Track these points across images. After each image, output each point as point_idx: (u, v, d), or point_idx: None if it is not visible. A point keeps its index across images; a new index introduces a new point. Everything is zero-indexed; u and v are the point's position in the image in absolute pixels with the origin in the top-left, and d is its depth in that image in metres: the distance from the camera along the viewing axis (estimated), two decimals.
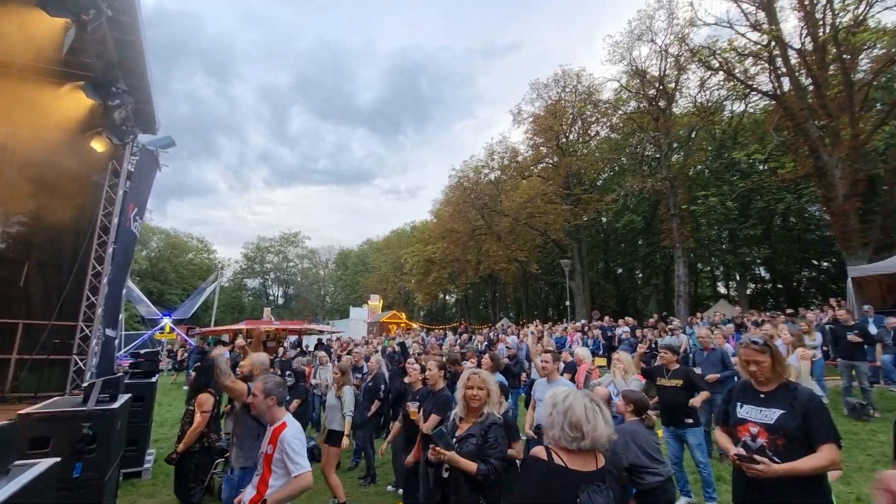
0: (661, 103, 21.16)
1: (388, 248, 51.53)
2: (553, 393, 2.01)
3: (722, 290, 33.10)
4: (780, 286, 29.42)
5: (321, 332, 24.80)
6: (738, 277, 28.09)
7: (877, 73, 14.77)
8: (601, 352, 13.77)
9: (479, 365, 6.40)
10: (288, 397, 7.37)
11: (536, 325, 18.77)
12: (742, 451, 2.49)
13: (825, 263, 25.95)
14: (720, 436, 2.84)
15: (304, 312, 54.39)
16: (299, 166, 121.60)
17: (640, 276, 34.40)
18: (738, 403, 2.74)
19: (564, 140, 27.65)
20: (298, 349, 18.09)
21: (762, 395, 2.65)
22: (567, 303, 21.91)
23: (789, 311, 14.15)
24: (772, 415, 2.57)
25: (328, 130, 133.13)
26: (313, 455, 6.42)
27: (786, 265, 26.25)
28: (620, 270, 35.94)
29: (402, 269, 42.17)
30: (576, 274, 25.60)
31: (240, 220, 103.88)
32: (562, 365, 5.64)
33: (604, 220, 32.10)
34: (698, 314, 16.84)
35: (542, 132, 26.89)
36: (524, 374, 8.49)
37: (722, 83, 19.92)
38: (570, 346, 13.71)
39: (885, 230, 14.95)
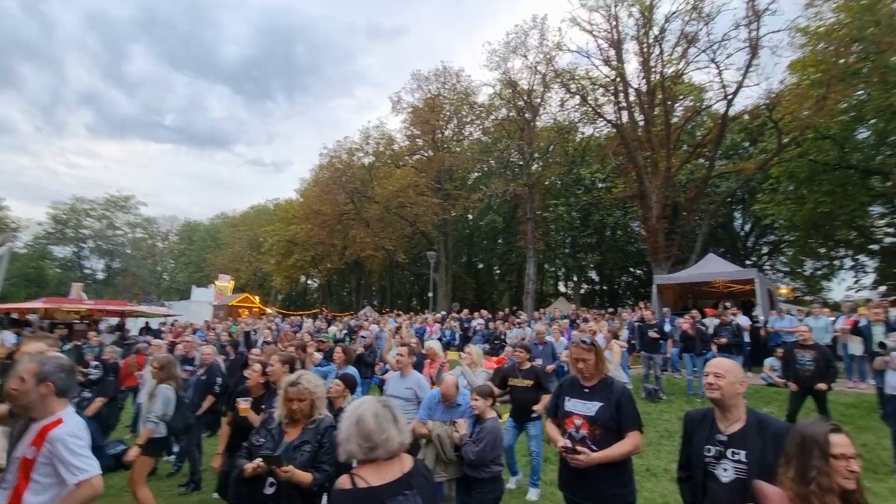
0: (528, 115, 23.05)
1: (245, 225, 46.83)
2: (352, 404, 1.92)
3: (562, 288, 37.69)
4: (605, 288, 34.70)
5: (156, 314, 21.40)
6: (575, 279, 32.23)
7: (686, 120, 18.14)
8: (457, 343, 14.39)
9: (328, 356, 6.08)
10: (90, 394, 6.09)
11: (398, 315, 18.95)
12: (568, 444, 2.71)
13: (639, 271, 31.32)
14: (550, 427, 3.07)
15: (133, 290, 46.39)
16: (138, 117, 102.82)
17: (498, 272, 37.28)
18: (566, 397, 2.97)
19: (440, 135, 28.33)
20: (118, 334, 15.31)
21: (586, 390, 2.91)
22: (430, 294, 22.58)
23: (610, 309, 16.62)
24: (593, 407, 2.83)
25: (180, 82, 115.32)
26: (119, 462, 5.38)
27: (611, 270, 30.98)
28: (481, 266, 38.39)
29: (260, 249, 38.81)
30: (440, 266, 26.53)
31: (49, 172, 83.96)
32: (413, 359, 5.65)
33: (470, 216, 33.87)
34: (541, 310, 18.79)
35: (420, 124, 27.16)
36: (379, 364, 8.38)
37: (577, 107, 22.47)
38: (429, 337, 14.09)
39: (681, 248, 18.57)
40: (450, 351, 12.92)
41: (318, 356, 6.17)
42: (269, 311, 30.59)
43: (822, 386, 6.14)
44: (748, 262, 28.34)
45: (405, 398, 4.32)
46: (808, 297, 25.91)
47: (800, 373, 6.34)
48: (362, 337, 9.71)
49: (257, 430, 2.77)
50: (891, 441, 5.40)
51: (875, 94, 17.13)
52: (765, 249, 28.94)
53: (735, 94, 16.16)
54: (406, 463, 1.83)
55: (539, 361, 7.40)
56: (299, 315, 26.68)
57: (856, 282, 24.10)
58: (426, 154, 29.07)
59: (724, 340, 8.38)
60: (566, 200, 23.07)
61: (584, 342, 2.97)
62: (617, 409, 2.77)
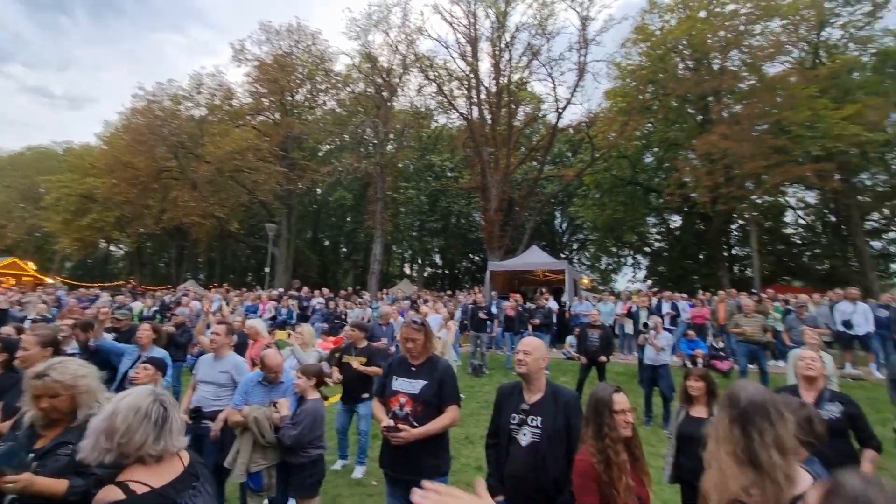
0: (385, 94, 22.77)
1: (15, 169, 36.36)
2: (118, 395, 1.62)
3: (407, 270, 38.82)
4: (447, 272, 36.91)
5: None
6: (419, 261, 33.49)
7: (525, 124, 20.16)
8: (294, 322, 13.62)
9: (126, 336, 5.09)
10: None
11: (228, 291, 17.04)
12: (391, 423, 2.73)
13: (478, 258, 34.11)
14: (376, 407, 3.06)
15: None
16: None
17: (344, 250, 36.44)
18: (394, 377, 3.00)
19: (290, 99, 26.08)
20: None
21: (413, 368, 2.98)
22: (267, 269, 20.84)
23: (449, 292, 17.69)
24: (418, 385, 2.91)
25: None
26: None
27: (453, 256, 33.04)
28: (327, 243, 37.01)
29: (39, 203, 30.66)
30: (281, 240, 24.70)
31: None
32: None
33: (318, 191, 32.23)
34: (385, 290, 19.02)
35: (267, 83, 24.52)
36: (196, 346, 7.38)
37: (434, 94, 23.08)
38: (260, 316, 13.01)
39: (513, 239, 20.79)
40: (281, 330, 12.18)
41: (107, 336, 5.08)
42: (48, 280, 24.49)
43: (602, 358, 7.55)
44: (563, 256, 33.33)
45: (220, 383, 3.85)
46: (601, 287, 31.70)
47: (588, 348, 7.68)
48: (175, 315, 8.42)
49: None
50: (643, 399, 6.91)
51: (659, 128, 21.60)
52: (575, 245, 34.34)
53: (565, 108, 18.60)
54: (183, 455, 1.66)
55: (384, 341, 7.47)
56: (97, 287, 21.95)
57: (633, 276, 30.42)
58: (272, 117, 26.46)
59: (537, 321, 9.64)
60: (417, 185, 23.65)
61: (415, 323, 3.02)
62: (439, 385, 2.90)
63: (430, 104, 25.29)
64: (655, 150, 23.64)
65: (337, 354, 5.43)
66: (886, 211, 23.46)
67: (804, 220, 26.29)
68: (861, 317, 9.06)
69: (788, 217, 26.77)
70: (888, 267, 25.06)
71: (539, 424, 2.42)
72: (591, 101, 24.65)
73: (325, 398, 3.91)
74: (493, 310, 11.55)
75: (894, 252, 25.34)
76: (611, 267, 31.86)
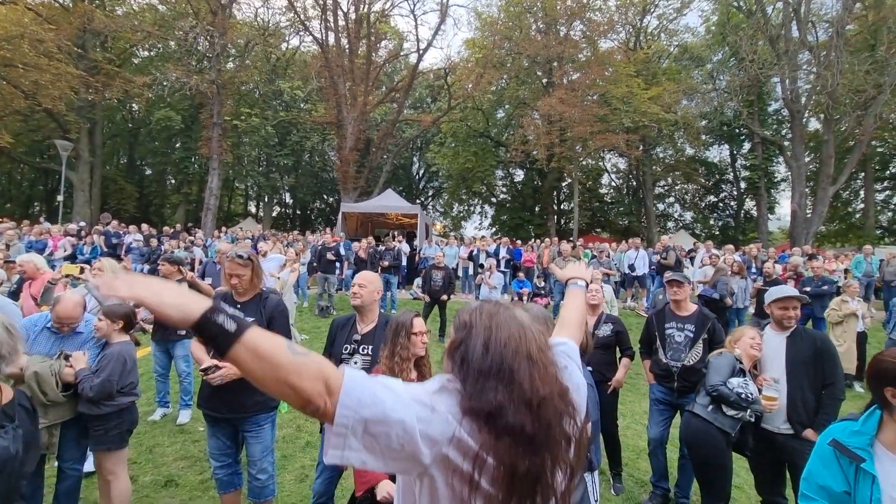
0: None
1: None
2: None
3: (253, 208, 35.42)
4: (298, 212, 34.76)
5: None
6: (266, 199, 30.78)
7: (386, 61, 19.35)
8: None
9: None
10: None
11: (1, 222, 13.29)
12: (212, 364, 2.55)
13: (332, 199, 32.77)
14: (195, 347, 2.83)
15: None
16: None
17: (173, 181, 31.29)
18: None
19: None
20: None
21: (238, 306, 2.80)
22: (60, 198, 16.74)
23: (299, 234, 16.75)
24: None
25: None
26: None
27: (305, 195, 31.12)
28: (149, 172, 31.26)
29: None
30: (81, 164, 20.02)
31: None
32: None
33: (135, 106, 26.57)
34: (224, 229, 17.16)
35: None
36: None
37: (284, 10, 20.41)
38: (50, 254, 10.63)
39: (368, 181, 20.40)
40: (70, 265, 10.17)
41: None
42: None
43: (444, 297, 8.16)
44: (419, 201, 34.17)
45: None
46: (453, 233, 33.69)
47: (432, 287, 8.21)
48: None
49: None
50: None
51: (511, 85, 22.91)
52: (431, 192, 35.42)
53: (426, 50, 18.33)
54: (5, 393, 1.66)
55: (209, 281, 6.77)
56: None
57: (480, 223, 32.95)
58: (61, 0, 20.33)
59: (386, 263, 9.85)
60: (263, 112, 21.17)
61: (239, 257, 2.80)
62: (269, 322, 2.80)
63: (281, 21, 22.37)
64: (507, 106, 25.18)
65: None
66: (670, 180, 29.49)
67: (615, 182, 31.48)
68: (641, 261, 11.43)
69: (604, 179, 31.76)
70: (667, 224, 31.88)
71: (369, 352, 2.53)
72: (452, 48, 24.70)
73: (138, 343, 3.46)
74: (343, 251, 11.41)
75: (672, 213, 32.29)
76: (461, 214, 33.86)
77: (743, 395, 2.59)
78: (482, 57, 18.85)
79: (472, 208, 33.18)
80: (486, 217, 32.67)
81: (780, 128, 23.70)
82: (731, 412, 2.68)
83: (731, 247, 12.05)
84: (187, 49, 20.30)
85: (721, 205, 30.58)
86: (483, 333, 0.92)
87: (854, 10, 17.47)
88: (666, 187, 30.21)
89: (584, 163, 27.38)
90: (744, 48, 17.44)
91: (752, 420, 2.68)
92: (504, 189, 30.44)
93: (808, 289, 7.70)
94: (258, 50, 21.74)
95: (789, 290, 3.01)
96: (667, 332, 3.75)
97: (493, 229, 30.28)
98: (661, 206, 31.31)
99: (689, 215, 31.74)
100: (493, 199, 30.66)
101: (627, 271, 11.66)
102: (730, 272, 8.35)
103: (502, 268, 12.24)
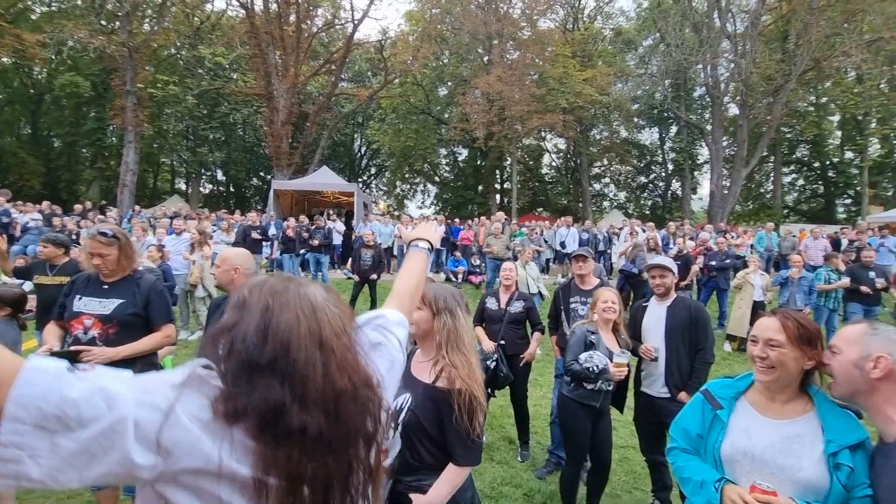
0: None
1: None
2: None
3: (182, 186, 32.99)
4: (232, 190, 32.81)
5: None
6: (195, 176, 28.75)
7: (319, 31, 18.39)
8: None
9: None
10: None
11: None
12: (53, 349, 2.33)
13: (270, 177, 31.14)
14: (47, 331, 2.58)
15: None
16: None
17: (87, 154, 28.36)
18: (77, 296, 2.53)
19: None
20: None
21: (105, 287, 2.55)
22: None
23: (223, 211, 15.79)
24: (110, 305, 2.52)
25: None
26: None
27: (238, 172, 29.36)
28: (58, 143, 28.10)
29: None
30: None
31: None
32: None
33: (36, 70, 23.63)
34: (137, 208, 15.88)
35: None
36: None
37: None
38: None
39: (304, 158, 19.54)
40: None
41: None
42: None
43: (374, 276, 8.03)
44: (361, 179, 33.34)
45: None
46: (397, 212, 33.30)
47: (361, 267, 8.05)
48: None
49: None
50: None
51: (452, 62, 22.62)
52: (373, 170, 34.65)
53: (361, 20, 17.54)
54: None
55: None
56: None
57: (423, 202, 32.77)
58: None
59: (316, 242, 9.53)
60: (183, 80, 19.51)
61: (102, 234, 2.53)
62: (145, 304, 2.59)
63: None
64: (449, 83, 24.89)
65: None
66: (606, 161, 30.67)
67: (555, 163, 32.31)
68: (571, 238, 11.85)
69: (545, 160, 32.50)
70: (602, 204, 33.30)
71: None
72: (391, 20, 23.90)
73: (24, 328, 3.18)
74: (272, 230, 10.91)
75: (607, 193, 33.74)
76: (404, 193, 33.48)
77: (590, 369, 2.70)
78: (421, 31, 18.39)
79: (414, 187, 32.89)
80: (429, 196, 32.57)
81: (703, 112, 25.17)
82: (589, 385, 2.80)
83: (651, 224, 12.76)
84: (93, 7, 18.13)
85: (651, 185, 32.34)
86: (260, 315, 0.74)
87: (769, 1, 18.71)
88: (602, 168, 31.43)
89: (525, 143, 27.85)
90: (671, 34, 18.21)
91: (611, 388, 2.81)
92: (447, 168, 30.36)
93: (713, 262, 8.32)
94: (176, 10, 19.81)
95: (661, 259, 3.19)
96: (571, 305, 3.87)
97: (437, 208, 30.28)
98: (597, 186, 32.63)
99: (622, 195, 33.34)
100: (437, 178, 30.53)
101: (559, 248, 12.07)
102: (646, 248, 8.85)
103: (437, 245, 12.26)
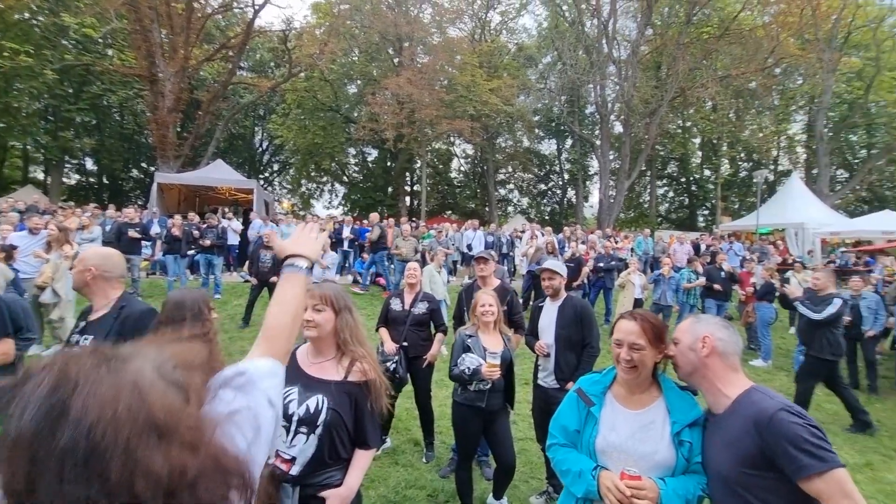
0: None
1: None
2: None
3: (40, 175, 28.05)
4: (106, 182, 28.70)
5: None
6: (56, 164, 24.66)
7: (214, 12, 16.90)
8: None
9: None
10: None
11: None
12: None
13: (153, 168, 27.77)
14: None
15: None
16: None
17: None
18: None
19: None
20: None
21: None
22: None
23: (93, 205, 13.72)
24: None
25: None
26: None
27: (112, 161, 25.79)
28: None
29: None
30: None
31: None
32: None
33: None
34: None
35: None
36: None
37: None
38: None
39: (195, 150, 17.77)
40: None
41: None
42: None
43: (274, 278, 7.54)
44: (262, 176, 31.23)
45: None
46: (302, 212, 31.73)
47: (261, 268, 7.54)
48: None
49: None
50: None
51: (362, 60, 22.22)
52: (276, 166, 32.68)
53: (263, 6, 16.45)
54: None
55: None
56: None
57: (330, 202, 31.69)
58: None
59: (208, 242, 8.72)
60: (39, 51, 16.64)
61: None
62: None
63: None
64: (358, 81, 24.39)
65: None
66: (510, 168, 32.32)
67: (464, 167, 33.28)
68: (477, 241, 12.28)
69: (455, 164, 33.32)
70: (507, 208, 35.02)
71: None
72: (296, 10, 22.79)
73: None
74: (156, 229, 9.77)
75: (512, 198, 35.56)
76: (310, 192, 32.10)
77: (464, 371, 2.82)
78: (329, 25, 17.79)
79: (321, 186, 31.68)
80: (336, 196, 31.59)
81: (594, 128, 27.72)
82: (471, 387, 2.92)
83: (549, 229, 13.71)
84: None
85: (550, 192, 34.78)
86: (64, 406, 0.52)
87: (647, 34, 21.22)
88: (507, 174, 33.09)
89: (435, 146, 28.30)
90: (566, 54, 19.78)
91: (487, 388, 2.90)
92: (356, 168, 29.73)
93: (601, 264, 9.18)
94: None
95: (550, 263, 3.47)
96: None
97: (345, 208, 29.48)
98: (502, 192, 34.26)
99: (525, 200, 35.41)
100: (345, 178, 29.73)
101: (466, 250, 12.42)
102: (546, 251, 9.51)
103: (345, 247, 11.94)
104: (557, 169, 33.39)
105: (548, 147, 33.31)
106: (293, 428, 1.57)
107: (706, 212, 31.70)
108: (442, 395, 5.55)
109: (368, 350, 1.71)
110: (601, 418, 1.58)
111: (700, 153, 31.90)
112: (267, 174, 32.26)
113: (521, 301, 9.90)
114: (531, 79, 26.44)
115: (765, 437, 1.27)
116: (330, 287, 1.73)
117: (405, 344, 3.88)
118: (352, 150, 28.48)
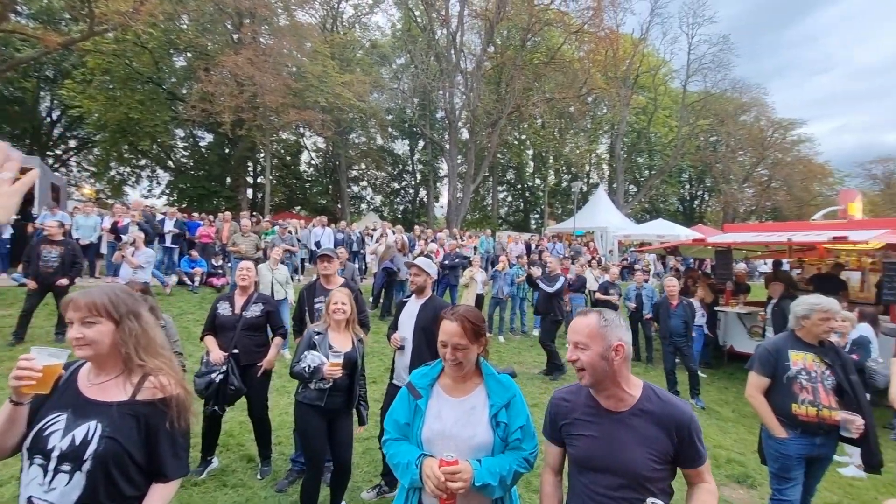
0: None
1: None
2: None
3: None
4: None
5: None
6: None
7: None
8: None
9: None
10: None
11: None
12: None
13: None
14: None
15: None
16: None
17: None
18: None
19: None
20: None
21: None
22: None
23: None
24: None
25: None
26: None
27: None
28: None
29: None
30: None
31: None
32: None
33: None
34: None
35: None
36: None
37: None
38: None
39: None
40: None
41: None
42: None
43: (62, 281, 6.07)
44: (52, 153, 24.98)
45: None
46: (111, 200, 26.30)
47: (41, 269, 5.98)
48: None
49: None
50: None
51: (192, 29, 19.44)
52: (73, 143, 26.51)
53: None
54: None
55: None
56: None
57: (149, 190, 26.99)
58: None
59: None
60: None
61: None
62: None
63: None
64: (188, 54, 21.25)
65: None
66: (364, 165, 31.98)
67: (315, 161, 31.74)
68: (326, 238, 11.82)
69: (305, 157, 31.54)
70: (360, 206, 34.58)
71: None
72: None
73: None
74: None
75: (365, 196, 35.24)
76: (122, 177, 26.88)
77: (305, 368, 2.75)
78: None
79: (139, 171, 26.81)
80: (159, 183, 27.10)
81: (444, 132, 29.24)
82: (311, 385, 2.83)
83: (400, 227, 13.97)
84: None
85: (403, 191, 35.52)
86: None
87: (489, 51, 23.16)
88: (360, 171, 32.66)
89: (283, 136, 26.38)
90: (418, 58, 20.39)
91: (328, 387, 2.83)
92: (185, 153, 25.92)
93: (446, 262, 9.68)
94: None
95: (420, 260, 3.57)
96: (316, 305, 3.81)
97: (170, 198, 25.51)
98: (355, 189, 33.73)
99: (378, 199, 35.47)
100: (171, 163, 25.67)
101: (315, 248, 11.85)
102: (396, 249, 9.63)
103: (168, 243, 10.32)
104: (410, 169, 34.24)
105: (401, 147, 33.93)
106: (52, 466, 1.23)
107: (537, 215, 36.11)
108: (283, 403, 5.18)
109: (168, 358, 1.43)
110: (428, 409, 1.63)
111: (532, 163, 36.20)
112: (59, 152, 25.97)
113: (372, 299, 9.86)
114: (385, 78, 26.55)
115: (682, 436, 1.46)
116: (104, 291, 1.36)
117: (235, 351, 3.50)
118: (180, 132, 24.73)
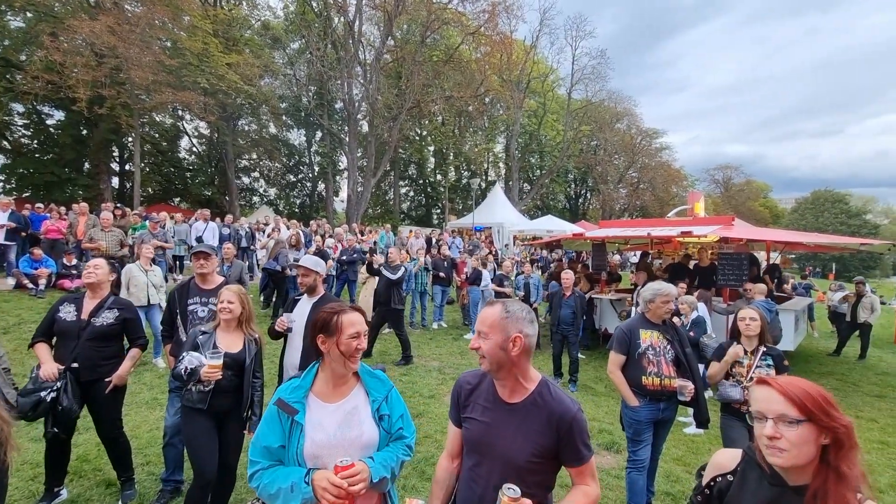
0: None
1: None
2: None
3: None
4: None
5: None
6: None
7: None
8: None
9: None
10: None
11: None
12: None
13: None
14: None
15: None
16: None
17: None
18: None
19: None
20: None
21: None
22: None
23: None
24: None
25: None
26: None
27: None
28: None
29: None
30: None
31: None
32: None
33: None
34: None
35: None
36: None
37: None
38: None
39: None
40: None
41: None
42: None
43: None
44: None
45: None
46: None
47: None
48: None
49: None
50: None
51: None
52: None
53: None
54: None
55: None
56: None
57: None
58: None
59: None
60: None
61: None
62: None
63: None
64: (28, 14, 17.75)
65: None
66: (255, 155, 29.69)
67: (197, 148, 28.69)
68: (210, 233, 10.81)
69: (185, 143, 28.32)
70: (252, 199, 32.11)
71: None
72: None
73: None
74: None
75: (257, 188, 32.79)
76: None
77: (184, 370, 2.54)
78: None
79: None
80: None
81: (344, 124, 28.37)
82: (193, 388, 2.63)
83: (295, 222, 13.31)
84: None
85: (300, 184, 33.77)
86: None
87: (389, 44, 22.92)
88: (251, 161, 30.32)
89: (157, 119, 23.43)
90: (314, 44, 19.46)
91: (211, 387, 2.63)
92: (27, 132, 21.71)
93: (344, 257, 9.44)
94: None
95: (305, 259, 3.42)
96: (189, 307, 3.44)
97: (6, 186, 21.25)
98: (246, 180, 31.23)
99: (273, 191, 33.27)
100: (6, 144, 21.37)
101: (195, 244, 10.77)
102: (288, 245, 9.13)
103: (1, 239, 8.64)
104: (307, 161, 32.65)
105: (297, 137, 32.18)
106: None
107: (438, 210, 36.79)
108: (154, 418, 4.66)
109: None
110: (306, 423, 1.52)
111: (433, 160, 36.75)
112: None
113: (262, 300, 9.24)
114: (278, 62, 24.89)
115: (562, 433, 1.46)
116: None
117: (75, 365, 2.99)
118: (18, 107, 20.64)
